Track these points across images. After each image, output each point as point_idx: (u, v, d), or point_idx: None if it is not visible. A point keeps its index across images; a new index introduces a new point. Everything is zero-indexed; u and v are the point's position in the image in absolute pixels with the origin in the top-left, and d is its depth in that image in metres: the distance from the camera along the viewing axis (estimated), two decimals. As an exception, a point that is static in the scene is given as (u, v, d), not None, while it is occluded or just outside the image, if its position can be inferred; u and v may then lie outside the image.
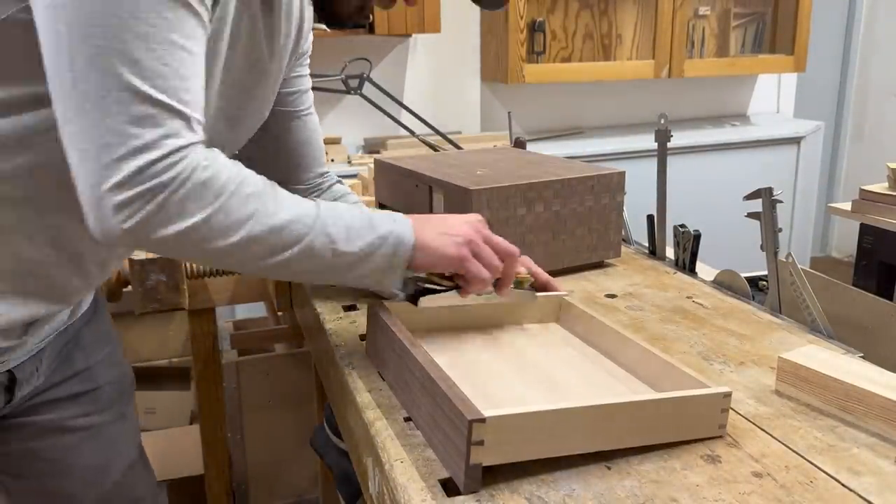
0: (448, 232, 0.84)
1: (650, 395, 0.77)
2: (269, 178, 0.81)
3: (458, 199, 1.12)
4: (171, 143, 0.68)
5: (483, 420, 0.62)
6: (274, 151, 1.10)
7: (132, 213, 0.68)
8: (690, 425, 0.71)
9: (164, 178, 0.68)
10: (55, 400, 0.99)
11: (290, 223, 0.76)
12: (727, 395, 0.72)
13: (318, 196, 1.14)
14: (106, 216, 0.68)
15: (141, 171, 0.67)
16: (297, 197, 0.79)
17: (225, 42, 0.81)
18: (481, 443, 0.62)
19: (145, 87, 0.67)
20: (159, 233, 0.69)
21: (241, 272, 0.85)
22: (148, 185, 0.67)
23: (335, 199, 1.15)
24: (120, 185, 0.67)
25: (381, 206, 1.38)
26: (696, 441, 0.72)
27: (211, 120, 0.82)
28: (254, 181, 0.76)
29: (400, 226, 0.82)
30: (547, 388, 0.81)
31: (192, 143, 0.70)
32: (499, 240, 0.86)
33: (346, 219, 0.80)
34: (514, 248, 0.86)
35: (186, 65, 0.70)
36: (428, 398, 0.71)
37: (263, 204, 0.75)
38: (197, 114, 0.71)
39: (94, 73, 0.66)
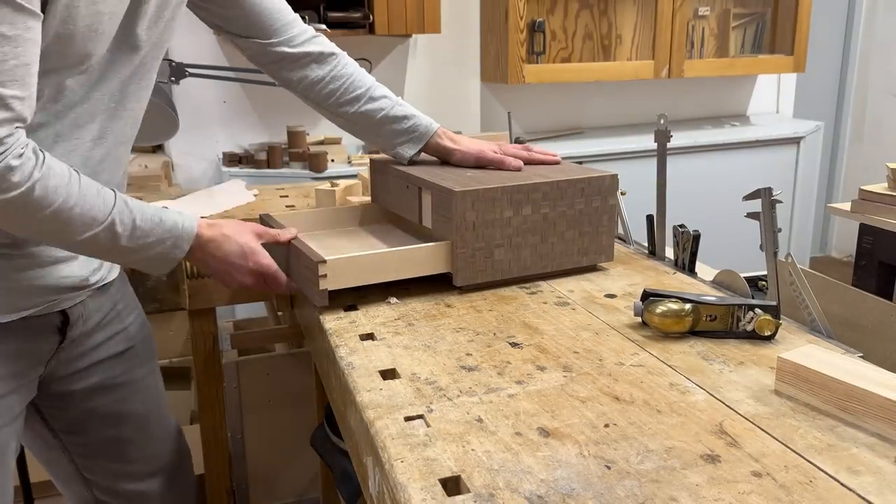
0: (231, 271, 1.08)
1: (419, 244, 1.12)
2: (252, 44, 1.23)
3: (444, 201, 1.12)
4: None
5: (324, 261, 1.04)
6: (240, 23, 1.22)
7: None
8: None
9: None
10: (101, 361, 1.16)
11: (83, 216, 0.92)
12: None
13: (299, 47, 1.25)
14: None
15: None
16: (95, 191, 0.94)
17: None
18: (324, 276, 1.05)
19: None
20: None
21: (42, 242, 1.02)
22: None
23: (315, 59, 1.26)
24: None
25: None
26: (695, 441, 0.73)
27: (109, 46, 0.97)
28: (59, 172, 0.90)
29: (182, 232, 1.02)
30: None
31: (6, 120, 0.83)
32: (270, 270, 1.09)
33: (137, 216, 0.98)
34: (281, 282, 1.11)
35: (2, 50, 0.81)
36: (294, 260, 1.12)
37: (65, 196, 0.90)
38: (12, 90, 0.83)
39: None
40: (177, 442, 1.33)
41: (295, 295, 1.35)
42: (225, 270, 1.07)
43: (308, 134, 2.79)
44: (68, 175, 0.91)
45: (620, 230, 1.39)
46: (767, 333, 0.95)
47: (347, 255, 1.08)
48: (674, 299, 0.97)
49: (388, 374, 0.88)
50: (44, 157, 0.89)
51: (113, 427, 1.20)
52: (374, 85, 1.28)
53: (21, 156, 0.86)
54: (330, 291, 1.06)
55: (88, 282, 1.09)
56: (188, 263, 1.41)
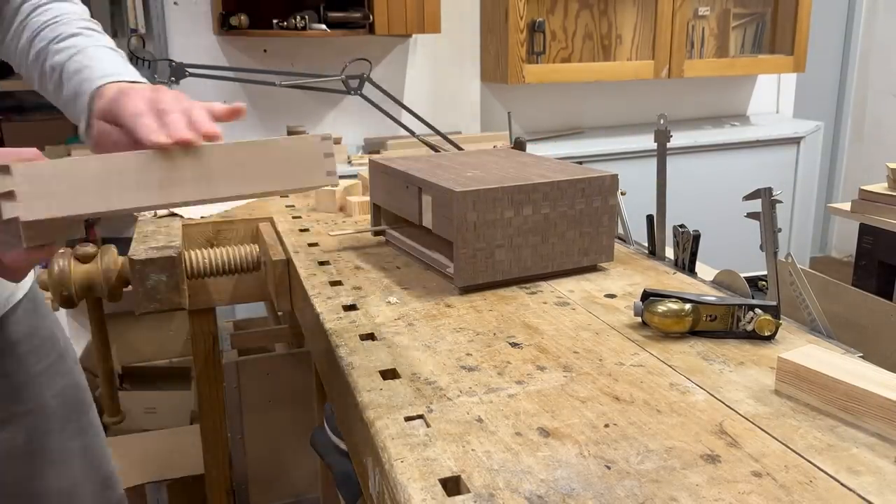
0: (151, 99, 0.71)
1: (226, 143, 0.69)
2: None
3: (445, 201, 1.12)
4: None
5: (6, 169, 0.57)
6: None
7: None
8: (292, 174, 0.70)
9: None
10: None
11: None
12: (326, 138, 0.70)
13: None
14: None
15: None
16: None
17: None
18: (11, 195, 0.58)
19: None
20: None
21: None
22: None
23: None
24: None
25: (376, 208, 1.38)
26: (695, 441, 0.73)
27: None
28: None
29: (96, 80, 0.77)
30: None
31: None
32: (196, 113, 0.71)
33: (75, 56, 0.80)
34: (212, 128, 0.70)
35: None
36: None
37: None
38: None
39: None
40: None
41: (294, 295, 1.35)
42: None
43: (308, 134, 2.79)
44: None
45: (620, 230, 1.39)
46: (767, 333, 0.95)
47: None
48: (674, 299, 0.97)
49: (388, 374, 0.88)
50: None
51: None
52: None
53: None
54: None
55: None
56: (190, 262, 1.41)
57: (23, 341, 0.90)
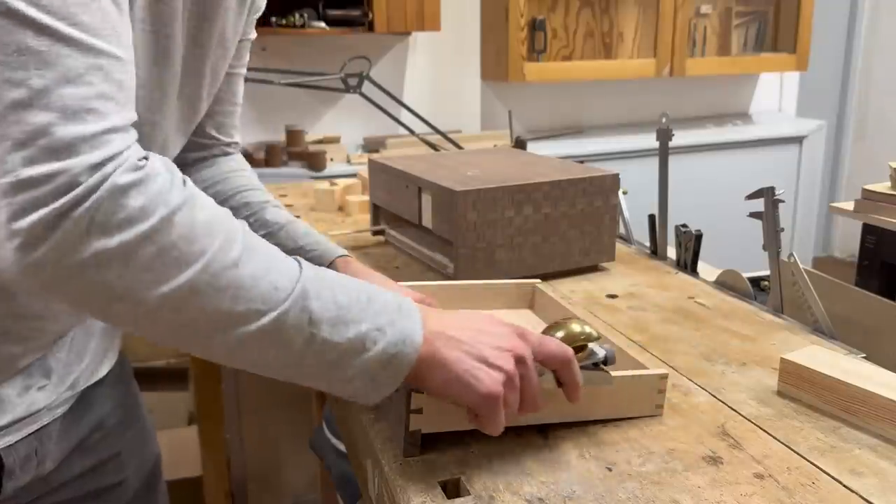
0: (485, 358, 0.62)
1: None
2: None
3: (445, 201, 1.11)
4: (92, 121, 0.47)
5: (421, 391, 0.66)
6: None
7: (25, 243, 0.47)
8: (627, 404, 0.76)
9: (65, 181, 0.46)
10: (71, 500, 0.80)
11: (258, 281, 0.52)
12: (663, 377, 0.76)
13: (207, 165, 0.97)
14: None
15: (36, 179, 0.46)
16: (270, 245, 0.57)
17: None
18: (419, 411, 0.67)
19: (32, 12, 0.46)
20: (51, 269, 0.47)
21: (166, 345, 0.57)
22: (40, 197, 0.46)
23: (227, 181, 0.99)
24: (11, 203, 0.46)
25: (376, 207, 1.37)
26: (697, 443, 0.72)
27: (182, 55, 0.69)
28: (207, 203, 0.53)
29: (407, 318, 0.60)
30: None
31: (116, 112, 0.49)
32: (549, 348, 0.66)
33: (338, 291, 0.57)
34: (566, 353, 0.66)
35: None
36: None
37: (223, 242, 0.51)
38: (118, 49, 0.49)
39: None
40: None
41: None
42: (473, 343, 0.63)
43: (307, 133, 2.78)
44: (224, 210, 0.56)
45: (622, 230, 1.39)
46: None
47: None
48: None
49: (387, 375, 0.87)
50: (183, 178, 0.54)
51: None
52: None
53: (139, 169, 0.50)
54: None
55: (35, 410, 0.70)
56: None
57: (111, 414, 0.83)
